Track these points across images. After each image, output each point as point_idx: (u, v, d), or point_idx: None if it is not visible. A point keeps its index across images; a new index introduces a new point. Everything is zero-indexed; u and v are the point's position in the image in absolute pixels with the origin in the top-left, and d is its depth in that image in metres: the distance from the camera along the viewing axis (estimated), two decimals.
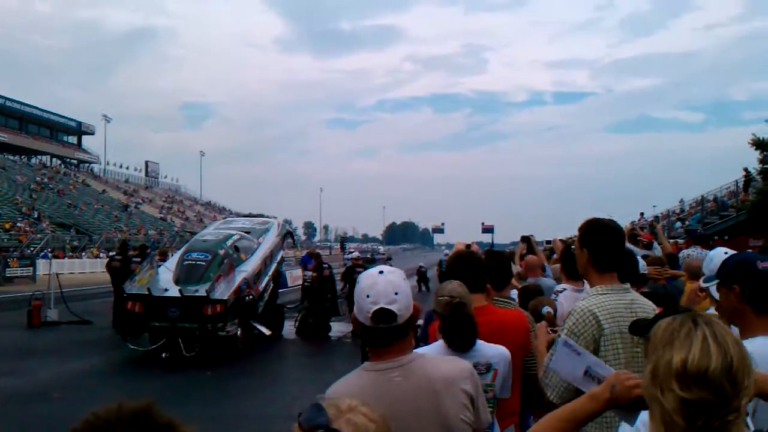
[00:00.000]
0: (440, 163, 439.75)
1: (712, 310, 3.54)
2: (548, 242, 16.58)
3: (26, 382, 11.12)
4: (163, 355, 12.98)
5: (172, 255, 17.07)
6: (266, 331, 15.03)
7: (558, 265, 6.12)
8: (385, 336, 2.36)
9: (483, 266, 4.01)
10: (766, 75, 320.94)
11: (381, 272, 2.40)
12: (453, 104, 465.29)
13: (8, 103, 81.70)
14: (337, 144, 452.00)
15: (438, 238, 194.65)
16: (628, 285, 3.33)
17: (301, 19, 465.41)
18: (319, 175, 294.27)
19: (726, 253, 3.86)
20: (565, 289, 5.11)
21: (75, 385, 10.95)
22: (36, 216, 55.07)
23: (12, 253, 38.52)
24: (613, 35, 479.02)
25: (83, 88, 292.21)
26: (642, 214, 49.30)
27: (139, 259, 16.30)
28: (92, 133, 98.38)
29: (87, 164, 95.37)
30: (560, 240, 9.19)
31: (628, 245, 8.07)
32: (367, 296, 2.34)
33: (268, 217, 20.60)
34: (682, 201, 47.56)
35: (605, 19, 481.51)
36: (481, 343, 3.36)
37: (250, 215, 22.15)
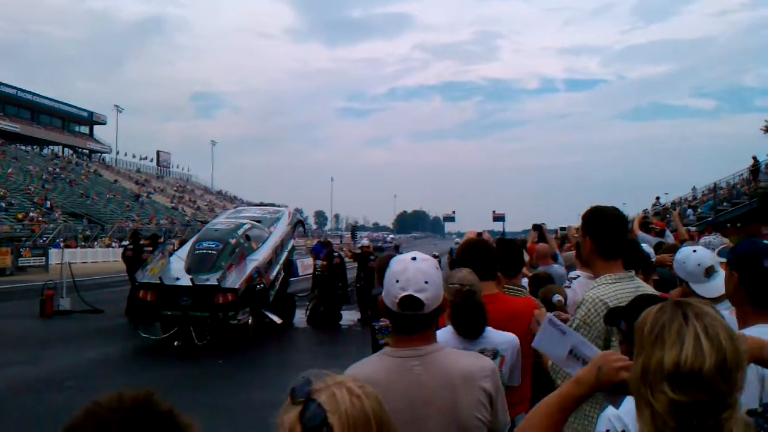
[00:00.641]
0: (451, 151, 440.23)
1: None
2: (563, 229, 16.47)
3: (39, 371, 11.18)
4: (175, 343, 13.04)
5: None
6: (277, 320, 15.05)
7: (572, 253, 6.10)
8: (410, 323, 2.33)
9: (493, 254, 3.99)
10: None
11: (414, 258, 2.36)
12: (464, 92, 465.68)
13: (20, 94, 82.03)
14: (348, 133, 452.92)
15: (449, 227, 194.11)
16: (632, 272, 3.31)
17: (311, 7, 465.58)
18: (330, 164, 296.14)
19: (694, 251, 3.81)
20: (579, 276, 5.08)
21: (88, 374, 11.01)
22: (48, 206, 55.31)
23: (25, 243, 38.71)
24: (625, 21, 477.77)
25: (95, 79, 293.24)
26: (658, 198, 49.09)
27: (150, 249, 16.36)
28: (104, 123, 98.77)
29: (99, 154, 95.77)
30: (575, 227, 9.15)
31: (641, 233, 8.04)
32: (397, 281, 2.31)
33: (278, 206, 20.62)
34: (694, 188, 47.40)
35: (617, 5, 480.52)
36: (490, 330, 3.35)
37: (261, 204, 22.19)
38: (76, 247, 44.79)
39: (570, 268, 6.18)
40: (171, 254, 14.95)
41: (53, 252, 37.04)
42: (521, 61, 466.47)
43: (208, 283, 13.03)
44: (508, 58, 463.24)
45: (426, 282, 2.29)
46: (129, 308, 15.37)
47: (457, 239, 29.84)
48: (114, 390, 1.23)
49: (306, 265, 25.53)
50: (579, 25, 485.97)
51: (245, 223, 16.09)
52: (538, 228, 8.54)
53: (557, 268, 6.40)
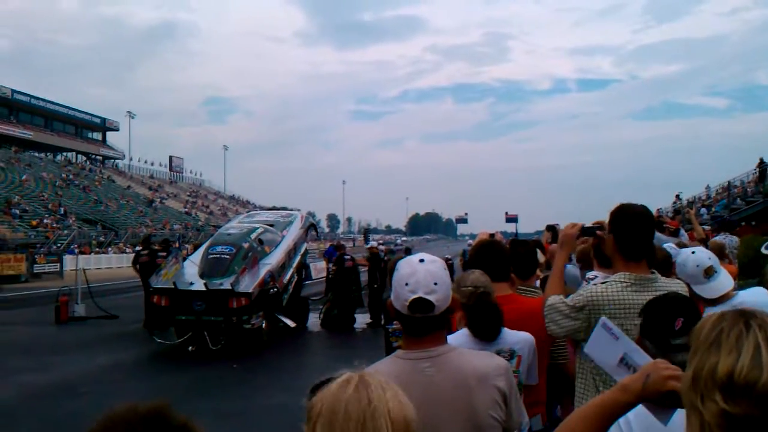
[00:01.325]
0: (463, 153, 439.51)
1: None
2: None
3: (55, 378, 11.23)
4: (190, 348, 13.08)
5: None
6: (291, 324, 15.06)
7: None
8: (421, 326, 2.32)
9: (506, 255, 3.98)
10: None
11: (421, 261, 2.35)
12: (476, 94, 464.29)
13: (33, 101, 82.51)
14: (360, 136, 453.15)
15: (461, 229, 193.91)
16: (656, 274, 3.19)
17: (321, 11, 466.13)
18: (342, 167, 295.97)
19: (693, 252, 3.79)
20: (596, 276, 5.05)
21: (103, 380, 11.03)
22: (62, 212, 55.58)
23: (39, 250, 38.91)
24: (637, 21, 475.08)
25: (107, 85, 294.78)
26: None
27: (164, 254, 16.40)
28: (117, 130, 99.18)
29: (112, 160, 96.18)
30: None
31: (655, 233, 7.98)
32: (406, 284, 2.29)
33: (291, 209, 20.64)
34: (708, 187, 47.17)
35: (628, 5, 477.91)
36: (504, 330, 3.34)
37: (273, 208, 22.23)
38: (90, 253, 45.02)
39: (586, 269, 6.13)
40: (185, 259, 14.99)
41: (68, 258, 37.20)
42: (533, 62, 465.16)
43: (221, 287, 13.03)
44: (519, 59, 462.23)
45: (435, 284, 2.28)
46: (147, 321, 15.30)
47: (470, 241, 29.77)
48: (129, 401, 1.23)
49: (319, 268, 25.60)
50: (590, 25, 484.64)
51: (258, 228, 16.11)
52: (551, 229, 8.49)
53: (570, 269, 6.36)
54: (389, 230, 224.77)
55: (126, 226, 59.87)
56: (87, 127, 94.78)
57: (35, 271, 34.35)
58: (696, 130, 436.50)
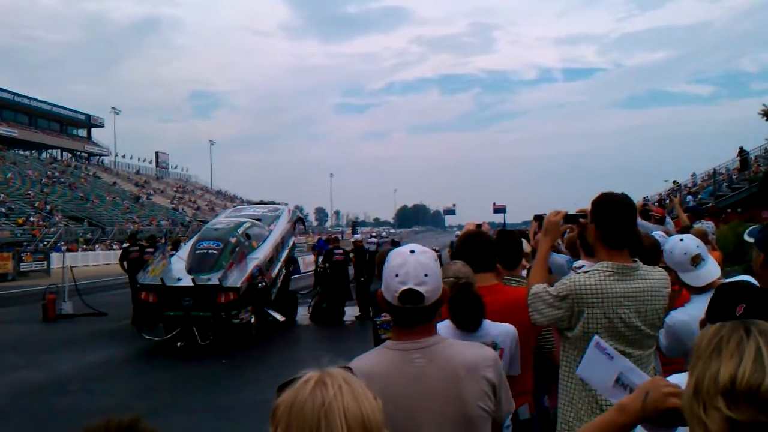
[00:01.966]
0: (450, 144, 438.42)
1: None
2: None
3: (43, 375, 11.18)
4: (178, 344, 13.05)
5: (185, 244, 17.11)
6: (280, 318, 15.06)
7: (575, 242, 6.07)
8: (411, 317, 2.32)
9: (492, 245, 3.99)
10: None
11: (412, 252, 2.33)
12: (462, 84, 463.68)
13: (17, 99, 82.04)
14: (347, 128, 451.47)
15: (449, 220, 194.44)
16: (638, 263, 3.19)
17: (306, 3, 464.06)
18: (329, 160, 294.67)
19: (681, 240, 3.79)
20: (583, 266, 5.06)
21: (92, 377, 11.01)
22: (48, 210, 55.36)
23: (26, 248, 38.76)
24: (621, 9, 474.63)
25: (91, 81, 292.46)
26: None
27: (151, 250, 16.36)
28: (102, 126, 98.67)
29: (97, 157, 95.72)
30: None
31: (641, 221, 8.02)
32: (396, 275, 2.28)
33: (278, 204, 20.60)
34: (694, 175, 47.37)
35: None
36: (487, 323, 3.35)
37: (260, 202, 22.20)
38: (77, 250, 44.81)
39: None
40: (171, 255, 14.95)
41: (55, 256, 37.04)
42: (518, 52, 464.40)
43: (209, 282, 13.02)
44: (504, 50, 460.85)
45: (426, 275, 2.27)
46: (135, 317, 15.34)
47: (458, 232, 29.88)
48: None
49: (308, 262, 25.59)
50: (574, 14, 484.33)
51: (245, 222, 16.08)
52: (539, 218, 8.51)
53: (556, 258, 6.37)
54: (377, 223, 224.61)
55: (113, 223, 59.65)
56: (72, 124, 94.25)
57: (22, 270, 34.18)
58: (681, 118, 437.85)
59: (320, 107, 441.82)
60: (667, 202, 29.22)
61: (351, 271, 17.95)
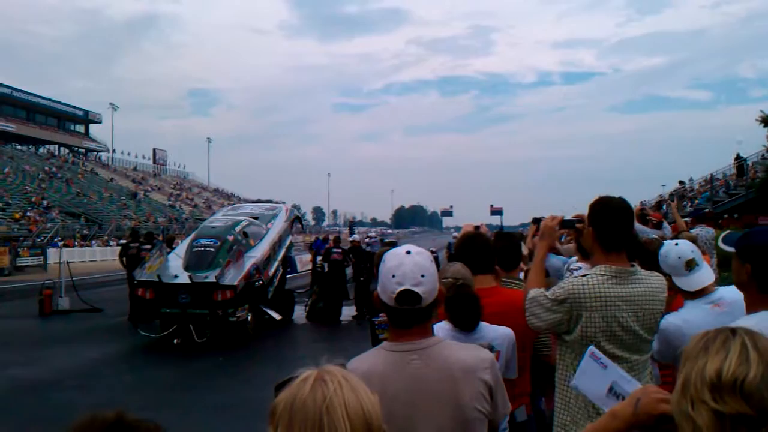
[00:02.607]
0: (448, 146, 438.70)
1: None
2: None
3: (40, 371, 11.16)
4: (175, 341, 13.04)
5: (181, 242, 17.11)
6: (276, 316, 15.08)
7: (572, 245, 6.09)
8: (408, 318, 2.31)
9: (491, 247, 4.00)
10: None
11: (408, 252, 2.33)
12: (460, 86, 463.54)
13: (15, 94, 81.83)
14: (345, 128, 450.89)
15: (447, 221, 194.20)
16: (636, 267, 3.20)
17: (305, 2, 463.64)
18: (327, 159, 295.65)
19: (676, 244, 3.78)
20: (580, 268, 5.08)
21: (88, 373, 11.02)
22: (45, 205, 55.21)
23: (22, 243, 38.62)
24: (620, 14, 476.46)
25: (89, 77, 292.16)
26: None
27: (148, 247, 16.36)
28: (99, 122, 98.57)
29: (95, 153, 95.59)
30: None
31: (638, 225, 8.04)
32: (393, 276, 2.28)
33: (276, 202, 20.60)
34: (691, 180, 47.26)
35: None
36: (484, 325, 3.36)
37: (258, 201, 22.21)
38: (74, 246, 44.71)
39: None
40: (169, 252, 14.95)
41: (51, 251, 36.97)
42: (517, 54, 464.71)
43: (206, 280, 13.03)
44: (503, 52, 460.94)
45: (422, 276, 2.27)
46: (132, 314, 15.33)
47: (455, 234, 29.89)
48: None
49: (304, 261, 25.57)
50: (574, 18, 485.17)
51: (243, 220, 16.09)
52: (537, 221, 8.51)
53: (554, 261, 6.39)
54: (375, 223, 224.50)
55: (110, 219, 59.50)
56: (69, 120, 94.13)
57: (18, 265, 34.08)
58: (679, 123, 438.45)
59: (318, 106, 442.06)
60: (664, 207, 29.25)
61: (349, 270, 17.98)
